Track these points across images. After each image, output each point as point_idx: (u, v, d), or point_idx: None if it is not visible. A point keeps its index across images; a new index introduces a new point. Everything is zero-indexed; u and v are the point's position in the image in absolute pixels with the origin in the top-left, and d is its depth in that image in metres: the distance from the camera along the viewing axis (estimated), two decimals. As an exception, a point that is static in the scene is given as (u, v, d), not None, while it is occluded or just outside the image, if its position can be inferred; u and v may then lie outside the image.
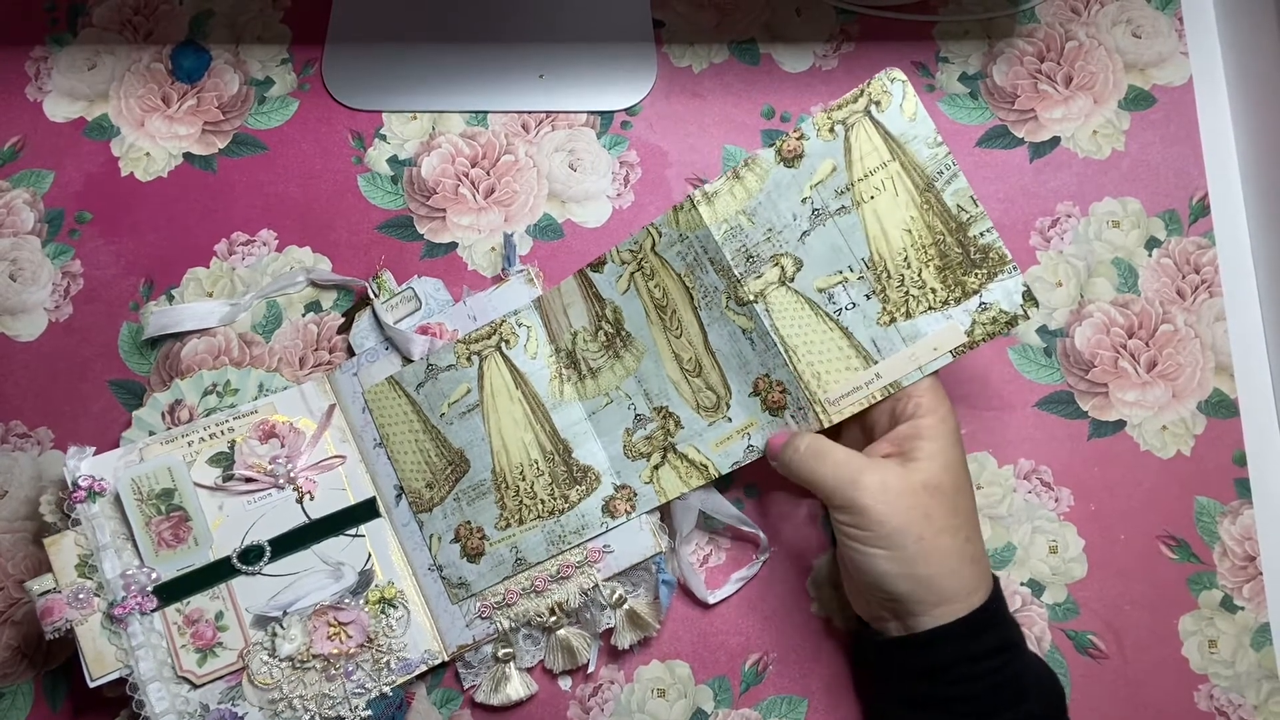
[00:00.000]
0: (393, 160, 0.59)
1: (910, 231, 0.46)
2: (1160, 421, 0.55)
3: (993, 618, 0.44)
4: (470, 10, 0.61)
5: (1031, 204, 0.58)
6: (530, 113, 0.60)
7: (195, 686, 0.49)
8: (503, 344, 0.53)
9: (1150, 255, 0.57)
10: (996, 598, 0.45)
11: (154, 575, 0.50)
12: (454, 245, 0.58)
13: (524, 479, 0.52)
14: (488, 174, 0.59)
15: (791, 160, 0.48)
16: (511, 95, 0.60)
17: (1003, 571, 0.54)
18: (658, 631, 0.52)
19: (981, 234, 0.46)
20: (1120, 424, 0.55)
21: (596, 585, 0.50)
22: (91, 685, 0.48)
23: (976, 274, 0.46)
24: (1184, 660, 0.52)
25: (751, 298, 0.48)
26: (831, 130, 0.47)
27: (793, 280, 0.48)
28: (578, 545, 0.51)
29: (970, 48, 0.61)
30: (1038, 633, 0.53)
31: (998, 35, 0.61)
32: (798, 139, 0.48)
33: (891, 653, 0.46)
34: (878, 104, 0.47)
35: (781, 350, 0.48)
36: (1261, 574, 0.53)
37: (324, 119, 0.60)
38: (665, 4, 0.62)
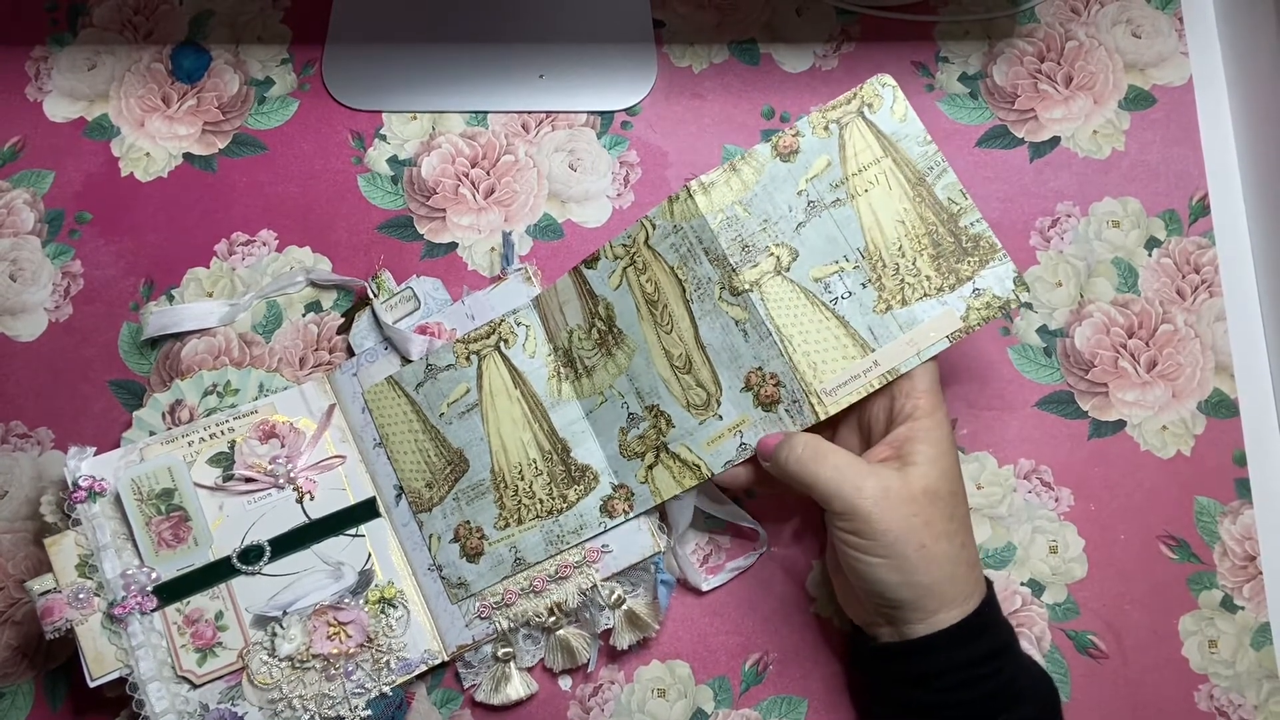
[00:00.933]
0: (393, 160, 0.59)
1: (904, 222, 0.47)
2: (1160, 421, 0.55)
3: (986, 622, 0.44)
4: (470, 10, 0.61)
5: (1031, 204, 0.58)
6: (530, 113, 0.60)
7: (195, 686, 0.49)
8: (501, 343, 0.53)
9: (1150, 255, 0.57)
10: (990, 601, 0.45)
11: (154, 575, 0.50)
12: (454, 245, 0.58)
13: (523, 479, 0.52)
14: (488, 174, 0.59)
15: (787, 155, 0.49)
16: (511, 95, 0.60)
17: (1002, 571, 0.53)
18: (656, 632, 0.51)
19: (971, 224, 0.47)
20: (1120, 424, 0.55)
21: (595, 585, 0.50)
22: (92, 685, 0.48)
23: (969, 261, 0.46)
24: (1184, 660, 0.52)
25: (747, 287, 0.48)
26: (826, 129, 0.49)
27: (788, 270, 0.48)
28: (576, 545, 0.51)
29: (970, 48, 0.61)
30: (1038, 633, 0.53)
31: (998, 35, 0.61)
32: (793, 136, 0.49)
33: (886, 659, 0.45)
34: (870, 106, 0.48)
35: (777, 340, 0.48)
36: (1261, 574, 0.53)
37: (324, 119, 0.60)
38: (665, 4, 0.62)
